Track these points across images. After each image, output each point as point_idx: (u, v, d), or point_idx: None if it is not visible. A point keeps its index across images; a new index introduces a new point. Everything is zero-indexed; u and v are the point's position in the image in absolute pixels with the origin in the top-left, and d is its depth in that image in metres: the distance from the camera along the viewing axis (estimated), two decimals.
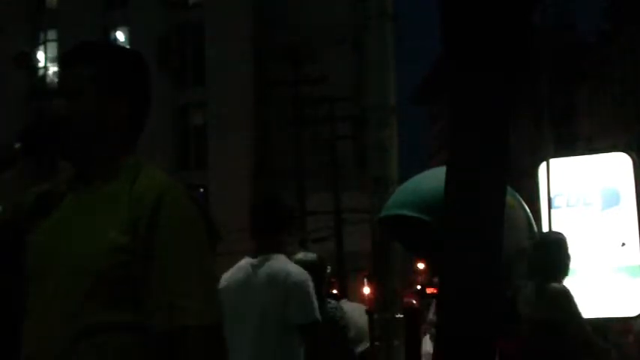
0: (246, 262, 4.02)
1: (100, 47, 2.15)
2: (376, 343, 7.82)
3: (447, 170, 2.99)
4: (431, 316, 9.38)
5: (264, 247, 3.98)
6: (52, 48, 37.79)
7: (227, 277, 4.02)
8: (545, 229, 6.63)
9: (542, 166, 6.77)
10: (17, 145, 2.03)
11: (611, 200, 7.00)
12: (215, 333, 1.91)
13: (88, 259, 1.92)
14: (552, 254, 4.38)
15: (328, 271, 6.10)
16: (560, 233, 4.95)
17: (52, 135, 2.03)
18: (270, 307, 3.82)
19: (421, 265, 42.00)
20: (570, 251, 4.56)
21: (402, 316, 8.30)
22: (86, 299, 1.90)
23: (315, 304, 3.91)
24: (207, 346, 1.89)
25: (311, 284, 3.96)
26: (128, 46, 35.74)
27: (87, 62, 2.07)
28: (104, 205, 1.98)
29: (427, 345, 9.44)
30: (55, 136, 2.03)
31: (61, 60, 2.12)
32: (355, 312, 9.57)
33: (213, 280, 1.99)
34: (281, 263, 3.91)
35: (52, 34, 37.98)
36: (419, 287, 38.82)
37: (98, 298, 1.90)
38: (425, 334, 9.86)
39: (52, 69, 37.03)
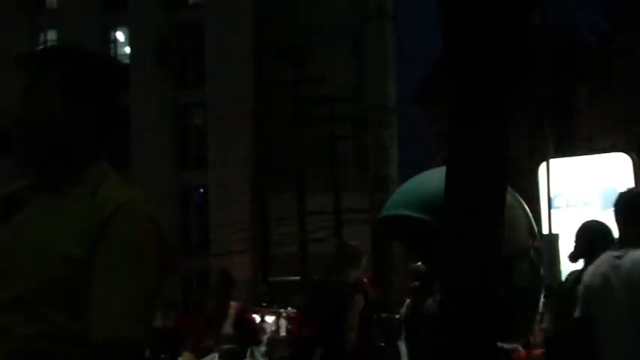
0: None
1: (70, 52, 2.08)
2: (376, 343, 7.83)
3: (447, 170, 2.99)
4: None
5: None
6: None
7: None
8: (545, 229, 6.63)
9: (542, 166, 6.77)
10: None
11: (611, 200, 7.00)
12: (129, 348, 1.86)
13: (37, 268, 1.89)
14: None
15: None
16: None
17: (16, 138, 1.99)
18: None
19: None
20: None
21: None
22: (35, 305, 1.87)
23: None
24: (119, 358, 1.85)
25: None
26: (128, 47, 35.46)
27: (54, 67, 2.02)
28: (63, 214, 1.94)
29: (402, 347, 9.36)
30: (18, 139, 1.99)
31: (31, 63, 2.07)
32: None
33: (148, 298, 1.92)
34: None
35: (52, 35, 37.98)
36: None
37: (47, 305, 1.87)
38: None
39: None
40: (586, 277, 3.81)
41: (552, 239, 6.57)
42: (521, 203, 3.22)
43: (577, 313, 3.64)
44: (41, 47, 2.07)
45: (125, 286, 1.88)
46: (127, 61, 37.01)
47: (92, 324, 1.86)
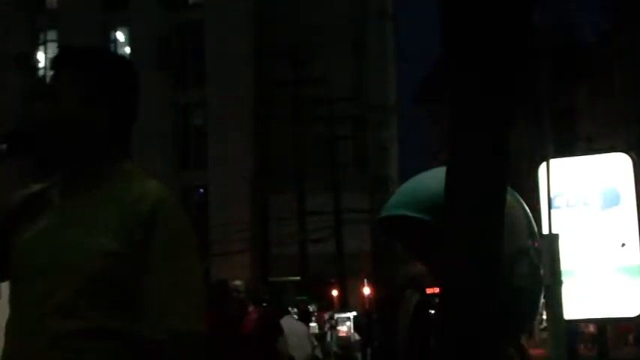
0: None
1: (88, 53, 2.12)
2: (376, 343, 7.86)
3: (447, 170, 2.99)
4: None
5: None
6: (52, 48, 37.78)
7: None
8: (545, 229, 6.64)
9: (542, 166, 6.77)
10: (2, 147, 2.01)
11: (611, 200, 7.00)
12: (200, 340, 1.92)
13: (78, 262, 1.91)
14: None
15: None
16: None
17: (35, 139, 2.02)
18: None
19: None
20: None
21: None
22: (75, 302, 1.89)
23: None
24: (191, 352, 1.90)
25: None
26: (128, 47, 35.51)
27: (73, 67, 2.05)
28: (95, 211, 1.97)
29: None
30: (38, 139, 2.02)
31: (50, 63, 2.10)
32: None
33: (202, 290, 1.99)
34: None
35: (52, 35, 37.98)
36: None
37: (87, 302, 1.89)
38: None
39: None
40: None
41: (552, 239, 6.57)
42: (521, 203, 3.22)
43: None
44: (59, 49, 2.09)
45: (184, 280, 1.93)
46: None
47: (153, 320, 1.89)
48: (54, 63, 2.08)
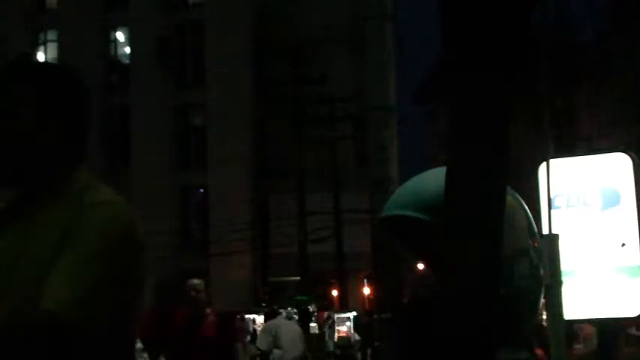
0: None
1: (34, 66, 2.10)
2: (376, 344, 7.84)
3: (447, 170, 2.99)
4: None
5: None
6: (52, 48, 37.82)
7: None
8: (545, 229, 6.64)
9: (542, 166, 6.77)
10: None
11: (611, 200, 7.00)
12: (53, 323, 1.82)
13: (25, 290, 1.89)
14: None
15: None
16: None
17: None
18: None
19: (421, 265, 41.93)
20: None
21: None
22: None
23: None
24: (51, 332, 1.81)
25: None
26: (128, 47, 35.52)
27: (20, 82, 2.02)
28: (47, 229, 1.95)
29: None
30: None
31: None
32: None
33: (93, 289, 1.88)
34: None
35: (52, 35, 38.00)
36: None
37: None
38: None
39: None
40: None
41: (552, 239, 6.58)
42: (521, 203, 3.22)
43: None
44: (6, 63, 2.06)
45: (75, 269, 1.86)
46: (127, 61, 37.06)
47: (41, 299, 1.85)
48: (4, 77, 2.04)
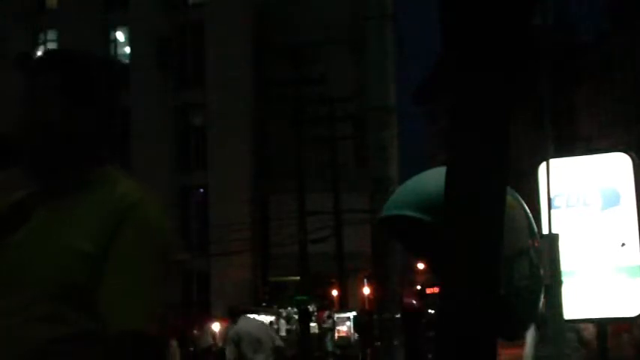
0: None
1: (67, 55, 2.09)
2: (376, 343, 7.83)
3: (447, 170, 2.99)
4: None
5: None
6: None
7: None
8: (545, 229, 6.63)
9: (542, 166, 6.76)
10: None
11: (611, 200, 6.99)
12: (144, 340, 1.87)
13: (58, 268, 1.89)
14: None
15: None
16: None
17: (19, 146, 2.00)
18: None
19: (421, 265, 41.96)
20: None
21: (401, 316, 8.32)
22: (58, 307, 1.88)
23: None
24: (135, 351, 1.86)
25: None
26: (128, 47, 35.38)
27: (53, 71, 2.02)
28: (76, 216, 1.95)
29: None
30: (21, 146, 1.99)
31: (28, 69, 2.07)
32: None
33: (154, 295, 1.93)
34: None
35: (52, 35, 37.99)
36: (419, 287, 38.84)
37: (69, 306, 1.88)
38: None
39: None
40: None
41: (552, 239, 6.57)
42: (521, 203, 3.22)
43: None
44: (39, 52, 2.05)
45: (137, 282, 1.90)
46: (127, 61, 37.04)
47: (107, 318, 1.87)
48: (36, 67, 2.05)
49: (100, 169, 2.04)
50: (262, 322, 13.67)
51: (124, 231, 1.92)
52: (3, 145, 2.01)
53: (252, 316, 26.52)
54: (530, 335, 7.42)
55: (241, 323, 11.64)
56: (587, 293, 6.90)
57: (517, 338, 3.91)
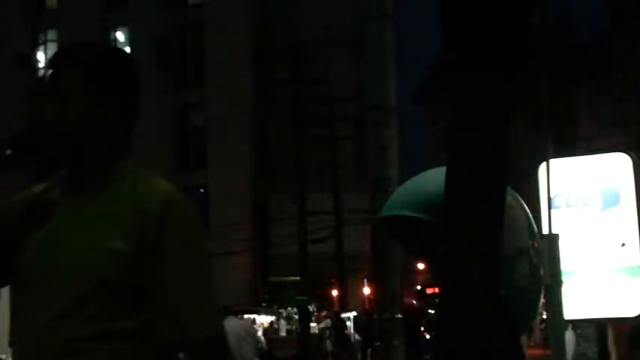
0: None
1: (89, 49, 2.08)
2: (377, 344, 7.84)
3: (447, 170, 2.99)
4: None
5: None
6: (52, 48, 37.77)
7: None
8: (545, 229, 6.63)
9: (542, 166, 6.76)
10: (8, 152, 1.97)
11: (611, 200, 6.99)
12: (220, 345, 1.94)
13: (88, 264, 1.88)
14: None
15: None
16: None
17: (43, 141, 1.99)
18: None
19: (421, 265, 41.97)
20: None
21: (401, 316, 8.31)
22: (89, 304, 1.87)
23: None
24: (214, 357, 1.93)
25: None
26: (128, 47, 35.45)
27: (75, 66, 2.02)
28: (103, 211, 1.95)
29: None
30: (46, 142, 1.98)
31: (49, 63, 2.06)
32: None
33: (213, 291, 1.98)
34: None
35: (52, 35, 37.98)
36: (419, 287, 38.86)
37: (101, 304, 1.87)
38: None
39: None
40: None
41: (552, 239, 6.57)
42: (521, 203, 3.22)
43: None
44: (58, 49, 2.06)
45: (196, 282, 1.92)
46: None
47: (166, 321, 1.88)
48: (59, 62, 2.04)
49: (122, 163, 2.04)
50: (246, 323, 13.74)
51: (167, 232, 1.91)
52: (18, 144, 2.00)
53: (248, 316, 26.50)
54: (569, 335, 7.42)
55: (229, 320, 11.92)
56: (587, 293, 6.90)
57: (517, 338, 3.91)
